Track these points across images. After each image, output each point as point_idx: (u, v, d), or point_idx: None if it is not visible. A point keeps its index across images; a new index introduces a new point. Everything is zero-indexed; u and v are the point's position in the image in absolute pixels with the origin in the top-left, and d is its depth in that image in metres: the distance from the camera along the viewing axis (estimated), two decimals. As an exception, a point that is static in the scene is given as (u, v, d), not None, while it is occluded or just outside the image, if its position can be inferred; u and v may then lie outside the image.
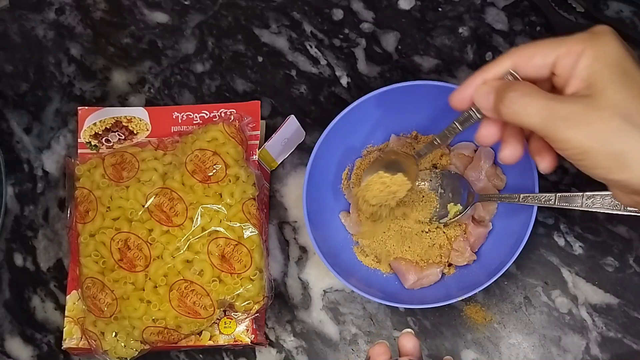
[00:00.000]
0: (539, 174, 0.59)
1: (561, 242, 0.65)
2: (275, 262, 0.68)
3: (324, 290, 0.67)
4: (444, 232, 0.63)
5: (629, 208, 0.55)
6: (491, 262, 0.60)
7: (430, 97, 0.63)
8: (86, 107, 0.72)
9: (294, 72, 0.73)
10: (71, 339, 0.66)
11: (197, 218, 0.62)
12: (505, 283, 0.64)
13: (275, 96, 0.73)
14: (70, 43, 0.77)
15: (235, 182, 0.64)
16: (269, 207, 0.69)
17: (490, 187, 0.63)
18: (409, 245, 0.63)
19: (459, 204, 0.62)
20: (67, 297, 0.67)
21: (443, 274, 0.63)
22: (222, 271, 0.62)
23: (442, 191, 0.63)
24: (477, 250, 0.63)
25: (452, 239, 0.63)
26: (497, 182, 0.63)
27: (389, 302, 0.60)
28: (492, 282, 0.64)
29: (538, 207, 0.58)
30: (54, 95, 0.76)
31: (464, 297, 0.58)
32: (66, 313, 0.67)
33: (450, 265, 0.64)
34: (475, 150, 0.65)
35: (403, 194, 0.58)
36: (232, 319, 0.64)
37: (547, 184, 0.66)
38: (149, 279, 0.62)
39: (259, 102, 0.69)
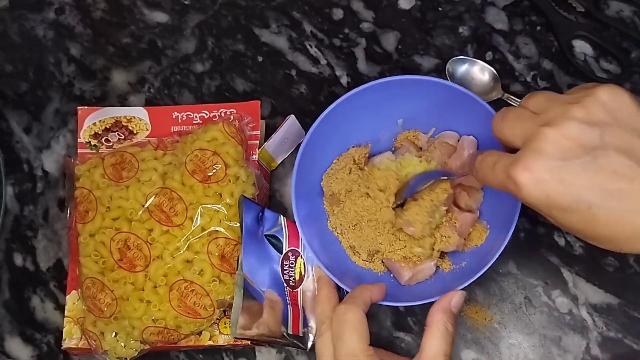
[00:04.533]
0: None
1: (561, 242, 0.64)
2: (275, 262, 0.68)
3: (324, 290, 0.67)
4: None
5: None
6: (486, 255, 0.60)
7: (417, 92, 0.62)
8: (86, 107, 0.72)
9: (294, 72, 0.73)
10: (71, 339, 0.66)
11: (197, 218, 0.62)
12: (506, 283, 0.64)
13: (275, 96, 0.73)
14: (70, 43, 0.77)
15: (235, 182, 0.63)
16: (269, 207, 0.69)
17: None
18: (403, 245, 0.62)
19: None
20: (67, 297, 0.67)
21: (438, 268, 0.63)
22: (222, 271, 0.62)
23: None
24: (465, 236, 0.63)
25: (439, 227, 0.62)
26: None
27: (387, 302, 0.59)
28: (493, 282, 0.64)
29: None
30: (53, 95, 0.76)
31: (461, 288, 0.57)
32: (66, 313, 0.67)
33: (443, 256, 0.63)
34: (459, 140, 0.64)
35: None
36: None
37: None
38: (149, 279, 0.62)
39: (259, 102, 0.69)
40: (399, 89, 0.62)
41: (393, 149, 0.67)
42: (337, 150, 0.66)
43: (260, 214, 0.63)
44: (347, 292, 0.57)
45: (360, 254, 0.64)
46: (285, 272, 0.62)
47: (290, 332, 0.60)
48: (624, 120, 0.44)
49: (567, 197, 0.43)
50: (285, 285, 0.62)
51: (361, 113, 0.63)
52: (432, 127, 0.66)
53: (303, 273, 0.63)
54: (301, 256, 0.63)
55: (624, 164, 0.42)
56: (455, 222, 0.62)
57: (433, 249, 0.62)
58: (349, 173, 0.64)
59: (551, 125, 0.44)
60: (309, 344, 0.61)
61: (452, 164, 0.63)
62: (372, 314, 0.65)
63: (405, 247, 0.62)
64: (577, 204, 0.43)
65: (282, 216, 0.64)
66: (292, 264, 0.63)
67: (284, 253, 0.62)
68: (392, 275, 0.64)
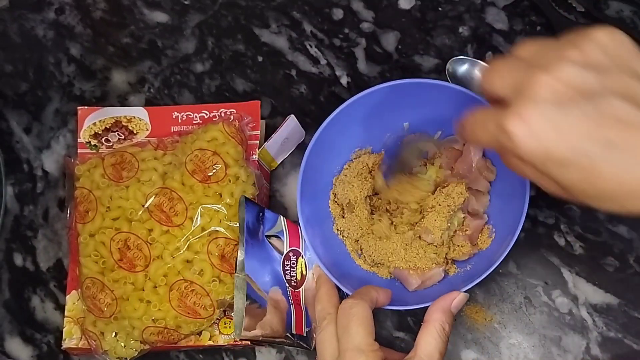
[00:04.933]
0: None
1: (561, 242, 0.64)
2: (275, 262, 0.68)
3: (324, 290, 0.67)
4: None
5: None
6: (490, 258, 0.60)
7: (423, 95, 0.62)
8: (86, 107, 0.72)
9: (294, 72, 0.73)
10: (71, 339, 0.66)
11: (197, 218, 0.62)
12: (506, 283, 0.64)
13: (275, 96, 0.73)
14: (70, 43, 0.77)
15: (235, 182, 0.63)
16: (269, 207, 0.69)
17: (481, 179, 0.63)
18: (415, 254, 0.62)
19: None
20: (67, 297, 0.67)
21: (446, 273, 0.63)
22: (222, 271, 0.62)
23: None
24: (475, 242, 0.63)
25: (454, 236, 0.62)
26: (487, 174, 0.63)
27: (392, 307, 0.58)
28: (493, 282, 0.64)
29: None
30: (53, 95, 0.76)
31: (464, 290, 0.57)
32: (66, 313, 0.67)
33: (450, 262, 0.63)
34: (465, 144, 0.64)
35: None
36: (232, 319, 0.64)
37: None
38: (149, 279, 0.62)
39: (259, 102, 0.69)
40: (404, 92, 0.62)
41: None
42: (343, 153, 0.66)
43: (261, 214, 0.63)
44: (347, 295, 0.57)
45: (365, 258, 0.64)
46: (286, 272, 0.62)
47: (293, 332, 0.60)
48: (624, 63, 0.40)
49: (567, 148, 0.39)
50: (287, 285, 0.62)
51: (367, 116, 0.63)
52: (438, 131, 0.66)
53: (305, 273, 0.63)
54: (302, 256, 0.63)
55: (627, 111, 0.38)
56: (467, 230, 0.62)
57: (446, 257, 0.62)
58: (365, 180, 0.64)
59: (545, 69, 0.40)
60: (313, 344, 0.61)
61: (460, 169, 0.63)
62: (372, 313, 0.65)
63: (416, 256, 0.62)
64: (577, 156, 0.39)
65: (281, 216, 0.64)
66: (293, 264, 0.63)
67: (284, 253, 0.62)
68: (397, 280, 0.64)
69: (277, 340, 0.59)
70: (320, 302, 0.57)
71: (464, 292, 0.55)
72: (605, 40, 0.40)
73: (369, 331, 0.51)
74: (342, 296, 0.59)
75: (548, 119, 0.39)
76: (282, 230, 0.63)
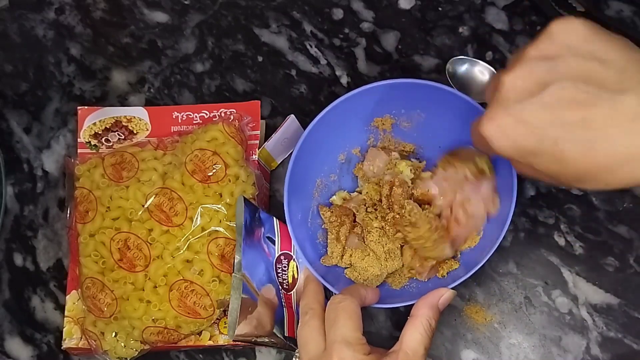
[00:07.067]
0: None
1: (561, 242, 0.64)
2: (275, 262, 0.68)
3: (324, 290, 0.67)
4: None
5: None
6: (478, 257, 0.59)
7: (413, 95, 0.62)
8: (86, 107, 0.72)
9: (294, 72, 0.73)
10: (71, 339, 0.66)
11: (196, 218, 0.62)
12: (506, 283, 0.64)
13: (275, 96, 0.73)
14: (70, 43, 0.77)
15: (235, 182, 0.64)
16: (269, 207, 0.69)
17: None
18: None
19: None
20: (67, 297, 0.67)
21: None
22: (222, 271, 0.62)
23: None
24: (460, 245, 0.63)
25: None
26: (490, 207, 0.62)
27: (381, 305, 0.59)
28: (493, 282, 0.63)
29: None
30: (53, 95, 0.76)
31: (454, 285, 0.57)
32: (66, 313, 0.67)
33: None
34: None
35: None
36: (232, 319, 0.64)
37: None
38: (149, 279, 0.62)
39: (259, 102, 0.69)
40: (394, 92, 0.62)
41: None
42: (331, 154, 0.66)
43: (257, 215, 0.62)
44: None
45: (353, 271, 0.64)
46: (279, 275, 0.62)
47: (286, 334, 0.60)
48: (577, 47, 0.42)
49: (532, 137, 0.42)
50: (279, 287, 0.62)
51: (356, 117, 0.63)
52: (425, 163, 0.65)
53: (296, 276, 0.63)
54: (294, 259, 0.63)
55: (581, 91, 0.40)
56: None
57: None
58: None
59: (507, 71, 0.43)
60: None
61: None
62: (372, 314, 0.66)
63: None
64: (543, 143, 0.41)
65: (275, 218, 0.64)
66: (285, 267, 0.63)
67: (276, 256, 0.62)
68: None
69: (268, 340, 0.59)
70: (305, 298, 0.57)
71: (452, 289, 0.55)
72: (556, 31, 0.43)
73: (357, 325, 0.52)
74: (329, 297, 0.59)
75: (512, 114, 0.42)
76: (275, 233, 0.63)
